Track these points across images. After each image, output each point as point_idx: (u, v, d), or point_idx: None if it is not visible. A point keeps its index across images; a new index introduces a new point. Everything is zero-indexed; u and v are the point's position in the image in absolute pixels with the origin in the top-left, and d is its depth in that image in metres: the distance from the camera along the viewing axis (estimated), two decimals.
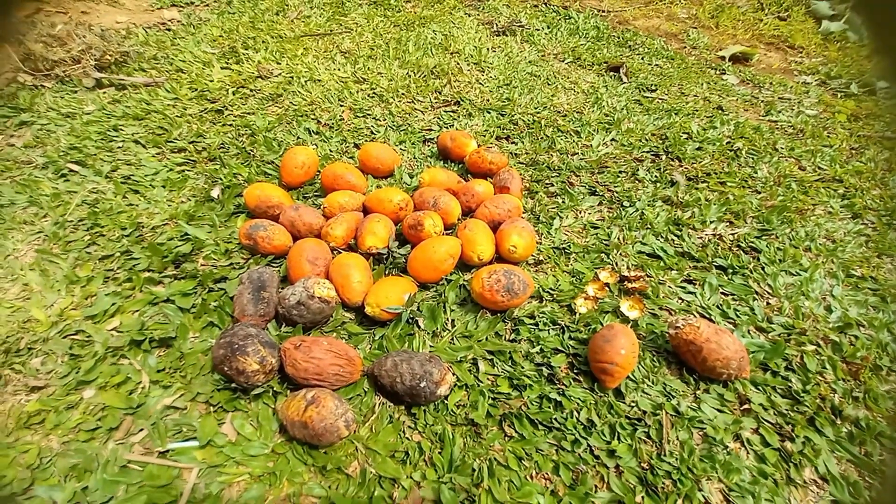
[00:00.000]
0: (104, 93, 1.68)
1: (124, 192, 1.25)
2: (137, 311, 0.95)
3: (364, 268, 0.97)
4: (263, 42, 2.05)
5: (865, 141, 1.70)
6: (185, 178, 1.31)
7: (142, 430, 0.77)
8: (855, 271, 1.12)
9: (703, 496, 0.71)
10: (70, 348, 0.87)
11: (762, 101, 1.92)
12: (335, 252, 1.04)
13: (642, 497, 0.70)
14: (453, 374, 0.83)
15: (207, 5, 2.48)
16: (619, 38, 2.38)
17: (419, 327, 0.93)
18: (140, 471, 0.71)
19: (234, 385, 0.78)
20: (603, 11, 2.72)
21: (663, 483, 0.72)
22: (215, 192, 1.25)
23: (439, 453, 0.74)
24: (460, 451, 0.74)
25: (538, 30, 2.38)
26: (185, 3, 2.47)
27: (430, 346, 0.90)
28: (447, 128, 1.56)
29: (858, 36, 2.50)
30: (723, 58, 2.30)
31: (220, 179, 1.29)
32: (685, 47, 2.40)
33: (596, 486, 0.72)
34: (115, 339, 0.88)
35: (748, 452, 0.77)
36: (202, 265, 1.05)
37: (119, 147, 1.41)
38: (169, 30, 2.20)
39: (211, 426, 0.75)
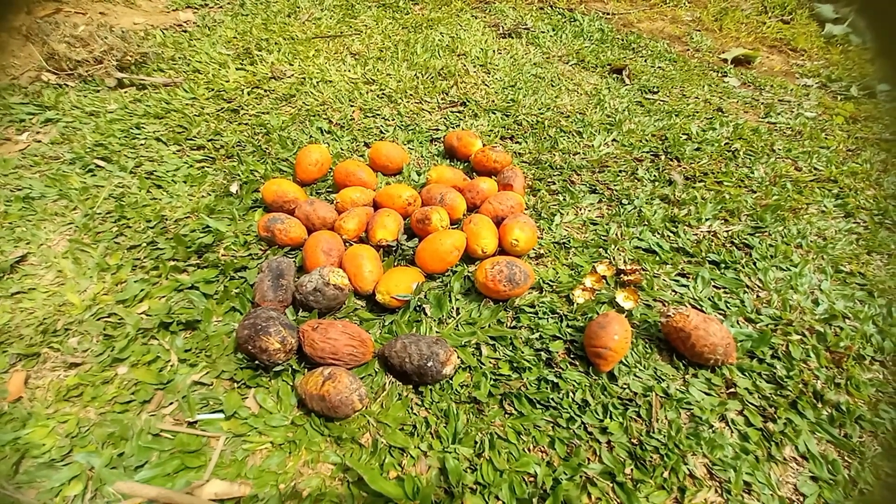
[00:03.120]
0: (126, 92, 1.76)
1: (148, 186, 1.32)
2: (164, 296, 1.02)
3: (375, 258, 1.03)
4: (276, 44, 2.12)
5: (863, 143, 1.74)
6: (204, 174, 1.38)
7: (172, 403, 0.84)
8: (844, 267, 1.17)
9: (689, 469, 0.76)
10: (104, 329, 0.94)
11: (762, 104, 1.96)
12: (348, 244, 1.10)
13: (631, 469, 0.76)
14: (458, 357, 0.89)
15: (221, 7, 2.56)
16: (622, 40, 2.43)
17: (426, 314, 0.99)
18: (171, 439, 0.78)
19: (256, 363, 0.85)
20: (608, 14, 2.77)
21: (651, 457, 0.77)
22: (234, 188, 1.32)
23: (444, 427, 0.80)
24: (464, 426, 0.80)
25: (543, 32, 2.44)
26: (200, 4, 2.55)
27: (437, 332, 0.96)
28: (453, 128, 1.62)
29: (861, 39, 2.53)
30: (725, 60, 2.34)
31: (238, 176, 1.37)
32: (688, 50, 2.45)
33: (588, 459, 0.78)
34: (144, 322, 0.95)
35: (732, 431, 0.83)
36: (223, 255, 1.12)
37: (142, 144, 1.49)
38: (185, 31, 2.27)
39: (235, 400, 0.82)
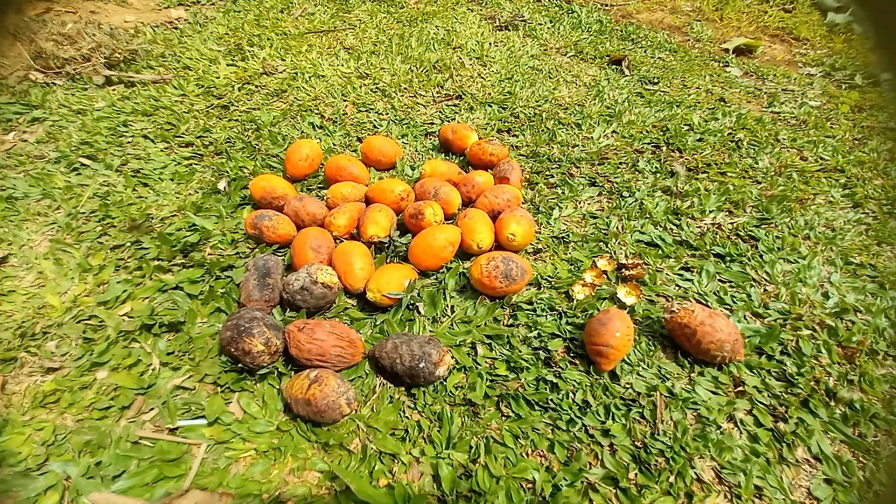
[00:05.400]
0: (114, 90, 1.72)
1: (134, 184, 1.28)
2: (148, 297, 0.98)
3: (366, 255, 1.00)
4: (268, 39, 2.08)
5: (868, 131, 1.70)
6: (192, 171, 1.34)
7: (152, 408, 0.80)
8: (854, 259, 1.13)
9: (696, 473, 0.72)
10: (83, 332, 0.91)
11: (765, 93, 1.91)
12: (338, 241, 1.07)
13: (635, 474, 0.72)
14: (452, 357, 0.85)
15: (213, 4, 2.52)
16: (621, 31, 2.38)
17: (419, 313, 0.95)
18: (151, 447, 0.74)
19: (240, 366, 0.81)
20: (606, 5, 2.72)
21: (656, 460, 0.73)
22: (222, 185, 1.28)
23: (438, 431, 0.76)
24: (458, 430, 0.76)
25: (541, 24, 2.39)
26: (192, 2, 2.51)
27: (430, 331, 0.92)
28: (449, 121, 1.58)
29: (862, 28, 2.48)
30: (727, 50, 2.29)
31: (227, 172, 1.33)
32: (689, 40, 2.40)
33: (590, 463, 0.74)
34: (126, 324, 0.91)
35: (741, 432, 0.79)
36: (209, 254, 1.08)
37: (129, 142, 1.45)
38: (176, 28, 2.24)
39: (218, 405, 0.78)
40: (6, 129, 1.54)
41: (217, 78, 1.78)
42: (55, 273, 1.03)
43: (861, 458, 0.77)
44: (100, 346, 0.88)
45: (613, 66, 2.02)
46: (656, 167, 1.41)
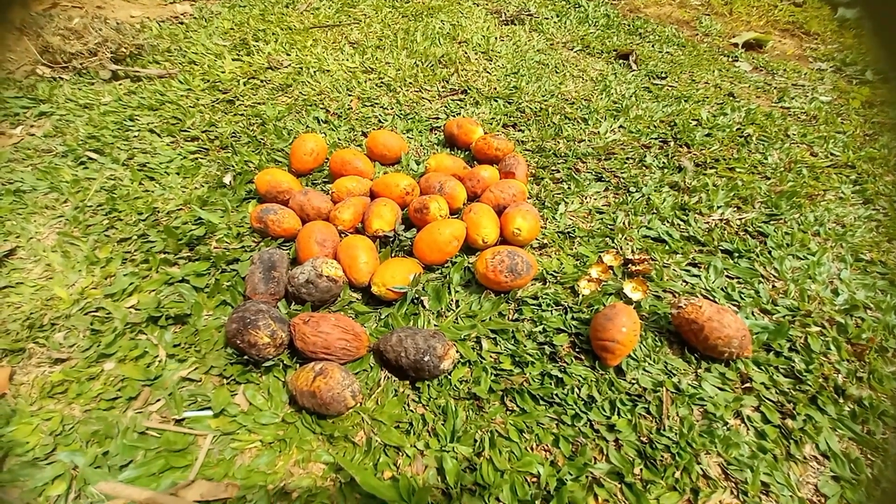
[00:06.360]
0: (120, 84, 1.73)
1: (140, 178, 1.29)
2: (154, 290, 0.98)
3: (371, 249, 0.99)
4: (273, 34, 2.08)
5: (880, 127, 1.67)
6: (198, 165, 1.34)
7: (159, 400, 0.80)
8: (864, 255, 1.12)
9: (702, 469, 0.72)
10: (91, 324, 0.91)
11: (775, 88, 1.89)
12: (343, 235, 1.06)
13: (641, 469, 0.72)
14: (457, 351, 0.85)
15: None
16: (629, 25, 2.36)
17: (424, 307, 0.95)
18: (158, 437, 0.75)
19: (245, 358, 0.82)
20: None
21: (662, 456, 0.73)
22: (227, 179, 1.28)
23: (442, 424, 0.76)
24: (462, 423, 0.76)
25: (547, 18, 2.37)
26: None
27: (435, 325, 0.92)
28: (454, 116, 1.57)
29: (867, 25, 2.45)
30: (736, 45, 2.27)
31: (232, 167, 1.33)
32: (697, 34, 2.37)
33: (595, 458, 0.73)
34: (133, 316, 0.92)
35: (748, 429, 0.78)
36: (215, 248, 1.08)
37: (135, 136, 1.45)
38: (181, 23, 2.24)
39: (224, 397, 0.79)
40: (14, 124, 1.55)
41: (222, 72, 1.78)
42: (63, 265, 1.04)
43: (869, 456, 0.77)
44: (107, 337, 0.88)
45: (621, 61, 2.00)
46: (664, 162, 1.39)
